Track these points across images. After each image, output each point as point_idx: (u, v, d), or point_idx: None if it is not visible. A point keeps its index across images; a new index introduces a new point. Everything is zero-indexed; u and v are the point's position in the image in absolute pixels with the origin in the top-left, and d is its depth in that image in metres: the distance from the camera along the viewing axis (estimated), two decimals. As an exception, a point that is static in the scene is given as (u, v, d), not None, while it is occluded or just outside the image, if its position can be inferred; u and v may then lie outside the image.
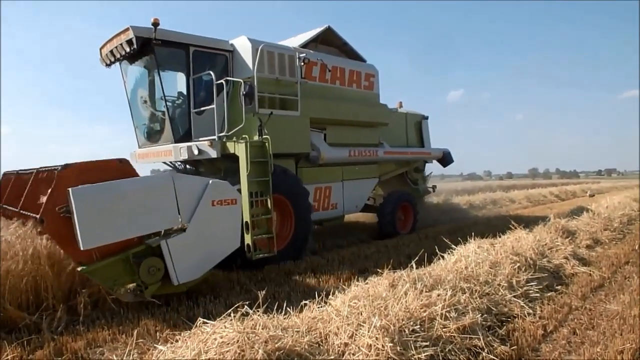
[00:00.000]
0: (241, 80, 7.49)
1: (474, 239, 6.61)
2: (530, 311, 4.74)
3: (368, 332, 3.44)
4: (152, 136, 8.75)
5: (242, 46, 8.40)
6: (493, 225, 10.92)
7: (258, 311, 3.64)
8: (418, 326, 3.71)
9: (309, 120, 8.78)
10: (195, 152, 7.58)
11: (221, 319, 3.48)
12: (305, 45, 9.58)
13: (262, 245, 6.92)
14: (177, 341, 3.42)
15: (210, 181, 5.51)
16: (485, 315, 4.39)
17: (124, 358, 3.40)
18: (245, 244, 6.64)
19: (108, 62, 8.30)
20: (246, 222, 6.62)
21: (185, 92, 8.17)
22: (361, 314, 3.74)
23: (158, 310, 5.21)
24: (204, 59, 8.13)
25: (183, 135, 8.12)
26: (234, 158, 7.11)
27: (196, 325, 3.50)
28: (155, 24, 7.27)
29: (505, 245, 6.32)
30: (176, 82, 8.55)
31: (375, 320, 3.51)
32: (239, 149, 6.96)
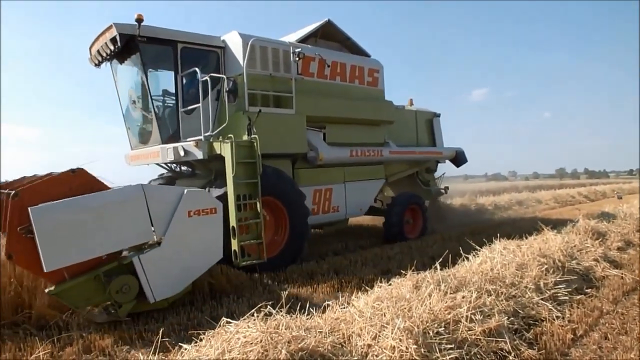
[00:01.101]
0: (224, 77, 7.17)
1: (500, 240, 6.50)
2: (559, 314, 4.63)
3: (392, 333, 3.40)
4: (142, 137, 8.40)
5: (233, 42, 8.02)
6: (519, 227, 10.74)
7: (281, 311, 3.64)
8: (442, 328, 3.66)
9: (305, 118, 8.31)
10: (182, 153, 7.23)
11: (244, 319, 3.49)
12: (303, 40, 9.16)
13: (252, 251, 6.58)
14: (201, 340, 3.44)
15: (185, 190, 5.22)
16: (512, 318, 4.30)
17: (150, 357, 3.44)
18: (232, 250, 6.32)
19: (96, 61, 8.05)
20: (232, 226, 6.31)
21: (171, 91, 7.87)
22: (384, 315, 3.70)
23: (182, 309, 5.26)
24: (194, 56, 7.76)
25: (171, 135, 7.78)
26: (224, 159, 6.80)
27: (220, 325, 3.52)
28: (139, 20, 6.94)
29: (532, 247, 6.20)
30: (166, 81, 8.13)
31: (399, 322, 3.48)
32: (225, 149, 6.63)
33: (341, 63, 9.40)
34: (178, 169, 9.09)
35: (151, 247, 5.04)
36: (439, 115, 12.78)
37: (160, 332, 3.81)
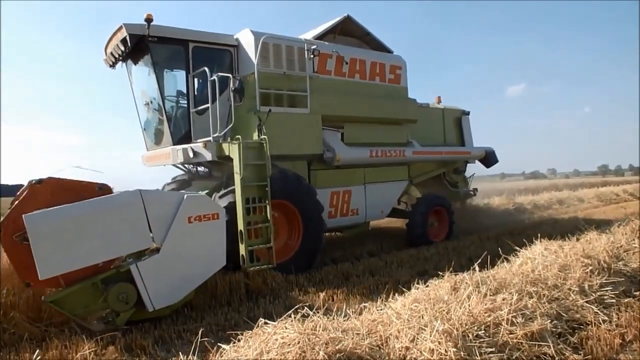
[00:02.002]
0: (230, 75, 6.92)
1: (540, 241, 6.31)
2: (606, 318, 4.45)
3: (430, 336, 3.35)
4: (156, 138, 8.34)
5: (246, 40, 7.79)
6: (560, 226, 10.45)
7: (318, 313, 3.64)
8: (482, 331, 3.58)
9: (320, 117, 8.02)
10: (191, 154, 7.14)
11: (282, 320, 3.50)
12: (321, 37, 8.83)
13: (262, 255, 6.42)
14: (239, 341, 3.48)
15: (185, 196, 5.10)
16: (555, 321, 4.16)
17: (190, 357, 3.49)
18: (240, 254, 6.19)
19: (110, 63, 8.01)
20: (240, 230, 6.17)
21: (183, 91, 7.78)
22: (422, 317, 3.65)
23: (220, 310, 5.35)
24: (206, 56, 7.63)
25: (183, 136, 7.68)
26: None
27: (257, 326, 3.55)
28: (148, 20, 6.82)
29: (575, 248, 5.98)
30: (178, 81, 8.08)
31: (437, 324, 3.42)
32: (233, 151, 6.45)
33: (360, 60, 9.02)
34: (194, 170, 8.94)
35: (150, 255, 4.96)
36: (467, 113, 12.18)
37: (200, 332, 3.87)
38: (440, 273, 4.82)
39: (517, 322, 3.75)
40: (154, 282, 4.84)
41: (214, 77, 6.81)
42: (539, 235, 6.63)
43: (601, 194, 21.82)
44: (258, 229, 6.37)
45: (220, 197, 6.72)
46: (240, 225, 6.18)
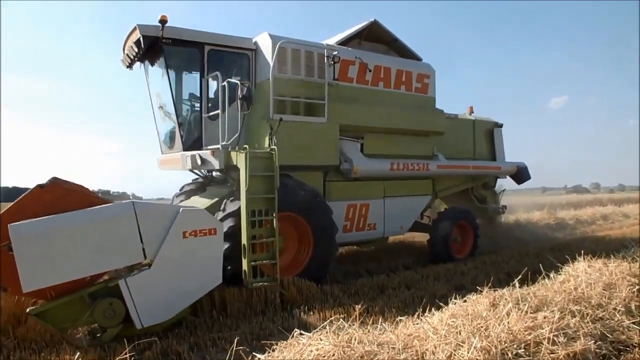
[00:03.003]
0: (237, 82, 6.63)
1: (584, 258, 6.10)
2: (654, 340, 4.26)
3: (468, 353, 3.28)
4: (169, 142, 8.14)
5: (264, 44, 7.45)
6: (605, 243, 10.09)
7: (353, 325, 3.62)
8: (522, 350, 3.47)
9: (338, 127, 7.65)
10: (199, 161, 6.94)
11: (317, 331, 3.50)
12: (345, 42, 8.41)
13: (268, 270, 6.14)
14: (273, 350, 3.50)
15: (181, 209, 4.89)
16: (599, 342, 3.99)
17: (224, 364, 3.53)
18: (242, 269, 5.95)
19: (127, 63, 7.83)
20: (243, 244, 5.91)
21: (196, 95, 7.56)
22: (460, 333, 3.58)
23: (255, 319, 5.39)
24: (222, 59, 7.38)
25: (194, 142, 7.42)
26: None
27: (292, 336, 3.56)
28: (163, 21, 6.60)
29: (621, 266, 5.74)
30: (192, 85, 7.81)
31: (475, 341, 3.35)
32: (240, 160, 6.17)
33: (385, 67, 8.56)
34: (210, 175, 8.63)
35: (140, 270, 4.77)
36: (500, 126, 11.59)
37: (235, 340, 3.91)
38: (479, 288, 4.72)
39: (559, 342, 3.62)
40: (144, 299, 4.66)
41: (225, 82, 6.61)
42: (582, 251, 6.41)
43: (648, 209, 20.94)
44: (264, 244, 6.11)
45: (224, 210, 6.51)
46: (244, 239, 5.93)
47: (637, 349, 4.12)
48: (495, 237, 11.45)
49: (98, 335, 4.72)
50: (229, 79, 6.66)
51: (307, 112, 7.56)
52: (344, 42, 8.40)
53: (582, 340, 3.72)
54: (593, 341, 3.85)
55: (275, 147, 6.23)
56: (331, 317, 3.76)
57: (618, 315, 4.56)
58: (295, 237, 7.04)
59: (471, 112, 11.51)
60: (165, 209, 5.01)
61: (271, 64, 7.04)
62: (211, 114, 7.24)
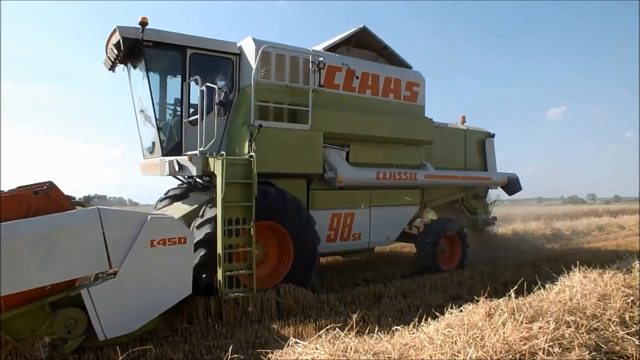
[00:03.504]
0: (214, 86, 6.43)
1: (579, 269, 6.13)
2: (648, 351, 4.27)
3: (463, 363, 3.29)
4: (150, 147, 7.95)
5: (248, 48, 7.27)
6: (600, 254, 10.13)
7: (349, 334, 3.62)
8: (518, 360, 3.49)
9: (322, 135, 7.49)
10: (177, 167, 6.77)
11: (312, 340, 3.51)
12: (333, 48, 8.25)
13: (245, 280, 6.01)
14: (269, 359, 3.50)
15: (149, 217, 4.71)
16: (594, 352, 4.01)
17: (220, 372, 3.53)
18: (217, 279, 5.80)
19: (109, 66, 7.62)
20: (218, 253, 5.78)
21: (178, 99, 7.37)
22: (455, 343, 3.59)
23: (250, 327, 5.37)
24: (206, 64, 7.26)
25: (173, 147, 7.25)
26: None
27: (288, 345, 3.57)
28: (143, 23, 6.48)
29: (616, 277, 5.77)
30: (173, 89, 7.59)
31: (471, 351, 3.36)
32: (217, 167, 6.04)
33: (373, 74, 8.41)
34: (193, 181, 8.33)
35: (105, 279, 4.60)
36: (492, 136, 11.41)
37: (230, 349, 3.90)
38: (476, 297, 4.73)
39: (554, 352, 3.64)
40: (107, 309, 4.49)
41: (203, 87, 6.42)
42: (577, 262, 6.44)
43: (644, 221, 21.03)
44: (242, 253, 5.98)
45: (202, 217, 6.37)
46: (219, 248, 5.80)
47: (631, 359, 4.14)
48: (493, 247, 11.46)
49: (58, 346, 4.49)
50: (208, 84, 6.47)
51: (291, 119, 7.43)
52: (332, 49, 8.27)
53: (577, 351, 3.74)
54: (588, 352, 3.87)
55: (254, 154, 6.13)
56: (327, 326, 3.75)
57: (613, 326, 4.58)
58: (276, 246, 6.91)
59: (463, 121, 11.39)
60: (133, 216, 4.79)
61: (255, 69, 6.89)
62: (191, 118, 7.08)
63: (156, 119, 7.30)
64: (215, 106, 6.39)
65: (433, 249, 9.02)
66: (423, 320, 4.39)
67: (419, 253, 9.15)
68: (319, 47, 8.25)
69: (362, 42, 8.66)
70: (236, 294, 5.77)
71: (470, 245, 9.84)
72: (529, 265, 9.27)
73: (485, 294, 4.82)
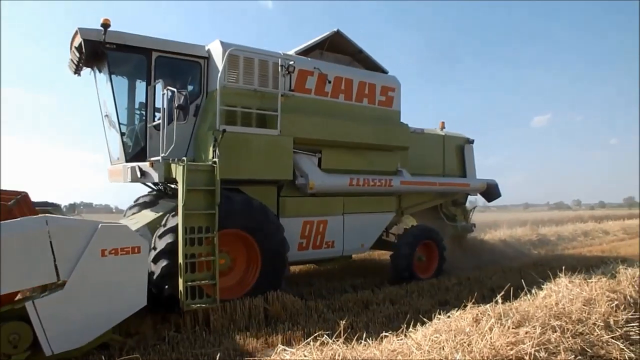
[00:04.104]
0: (174, 90, 6.21)
1: (565, 274, 6.20)
2: (632, 355, 4.31)
3: (451, 368, 3.30)
4: (116, 153, 7.67)
5: (216, 51, 7.10)
6: (585, 259, 10.24)
7: (337, 341, 3.62)
8: (505, 365, 3.51)
9: (292, 140, 7.31)
10: (139, 174, 6.57)
11: (300, 347, 3.50)
12: (306, 52, 8.09)
13: (209, 290, 5.80)
14: (257, 367, 3.48)
15: (100, 225, 4.48)
16: (580, 356, 4.05)
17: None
18: (179, 290, 5.60)
19: (73, 69, 7.41)
20: (179, 263, 5.57)
21: (143, 104, 7.14)
22: (443, 348, 3.61)
23: (238, 335, 5.34)
24: (172, 67, 7.07)
25: (137, 153, 7.03)
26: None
27: (276, 352, 3.56)
28: (105, 25, 6.26)
29: (601, 281, 5.85)
30: (138, 93, 7.39)
31: (458, 357, 3.38)
32: (178, 173, 5.86)
33: (347, 79, 8.22)
34: (163, 188, 8.06)
35: (51, 291, 4.35)
36: (472, 142, 11.30)
37: (217, 356, 3.88)
38: (464, 303, 4.76)
39: (541, 357, 3.67)
40: (55, 323, 4.22)
41: (165, 91, 6.27)
42: (563, 267, 6.51)
43: (627, 226, 21.40)
44: (206, 262, 5.77)
45: (164, 225, 6.15)
46: (180, 257, 5.58)
47: (616, 363, 4.19)
48: (479, 253, 11.54)
49: None
50: (168, 87, 6.28)
51: (261, 124, 7.22)
52: (305, 52, 8.11)
53: (562, 355, 3.78)
54: (573, 356, 3.91)
55: (217, 159, 5.98)
56: (315, 332, 3.74)
57: (597, 330, 4.63)
58: (243, 255, 6.70)
59: (442, 127, 11.25)
60: (83, 224, 4.57)
61: (222, 72, 6.73)
62: (155, 123, 6.85)
63: (119, 124, 7.08)
64: (175, 110, 6.22)
65: (409, 257, 8.77)
66: (411, 326, 4.40)
67: (394, 261, 8.90)
68: (292, 51, 8.12)
69: (336, 46, 8.53)
70: (198, 305, 5.57)
71: (454, 252, 9.83)
72: (516, 271, 9.35)
73: (473, 300, 4.85)
